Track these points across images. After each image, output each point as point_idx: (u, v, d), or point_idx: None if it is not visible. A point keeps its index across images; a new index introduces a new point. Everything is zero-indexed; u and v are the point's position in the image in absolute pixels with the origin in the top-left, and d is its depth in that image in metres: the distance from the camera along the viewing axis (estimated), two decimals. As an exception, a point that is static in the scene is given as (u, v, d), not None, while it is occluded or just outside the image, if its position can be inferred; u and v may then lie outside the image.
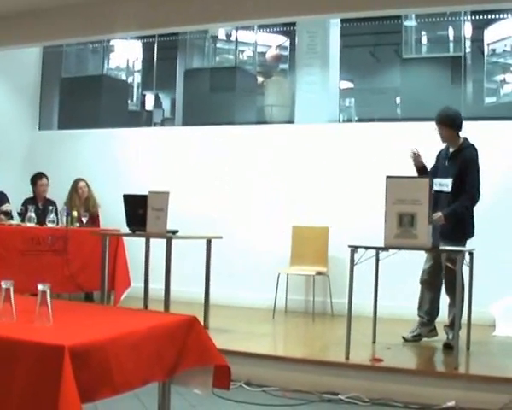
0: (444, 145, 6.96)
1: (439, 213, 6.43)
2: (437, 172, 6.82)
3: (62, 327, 2.99)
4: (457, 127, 6.77)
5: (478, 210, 8.00)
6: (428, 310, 7.01)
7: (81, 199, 9.54)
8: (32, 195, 9.53)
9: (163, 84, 12.72)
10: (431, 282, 6.96)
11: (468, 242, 6.62)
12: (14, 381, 2.60)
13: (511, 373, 5.78)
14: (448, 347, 6.47)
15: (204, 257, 7.58)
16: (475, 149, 6.79)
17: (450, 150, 6.86)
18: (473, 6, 9.10)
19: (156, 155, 10.35)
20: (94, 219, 9.51)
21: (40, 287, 2.95)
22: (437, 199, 6.42)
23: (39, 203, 9.37)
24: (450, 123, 6.74)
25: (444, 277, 6.72)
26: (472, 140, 6.94)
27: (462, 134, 6.83)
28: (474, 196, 6.67)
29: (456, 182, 6.61)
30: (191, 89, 11.95)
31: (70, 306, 4.14)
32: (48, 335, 2.76)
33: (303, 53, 10.30)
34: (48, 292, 2.95)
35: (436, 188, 6.50)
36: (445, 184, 6.66)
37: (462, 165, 6.69)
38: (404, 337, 7.01)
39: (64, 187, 9.54)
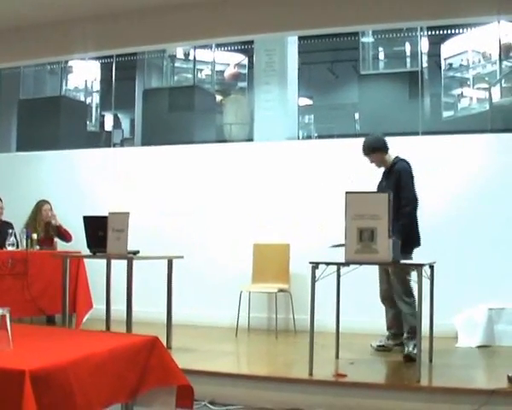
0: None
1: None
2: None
3: (23, 351, 2.97)
4: (382, 149, 7.12)
5: (439, 223, 8.13)
6: (394, 324, 7.14)
7: (45, 221, 9.46)
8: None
9: (122, 104, 12.68)
10: (390, 298, 7.09)
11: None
12: (-26, 407, 2.58)
13: (474, 384, 5.82)
14: (408, 358, 6.54)
15: (166, 277, 7.56)
16: (407, 162, 7.08)
17: (385, 170, 7.18)
18: (427, 22, 9.24)
19: (116, 176, 10.28)
20: (52, 242, 9.43)
21: (-1, 311, 2.93)
22: None
23: (-5, 226, 9.29)
24: (373, 148, 7.12)
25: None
26: (430, 154, 7.04)
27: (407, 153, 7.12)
28: (411, 202, 6.91)
29: (394, 195, 6.72)
30: (150, 109, 11.95)
31: (31, 330, 4.10)
32: (8, 359, 2.74)
33: (261, 71, 10.34)
34: (7, 316, 2.93)
35: None
36: None
37: (395, 178, 6.96)
38: (371, 345, 7.21)
39: (23, 210, 9.45)
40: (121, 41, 9.60)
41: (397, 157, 7.13)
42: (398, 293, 6.58)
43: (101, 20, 9.37)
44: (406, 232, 6.63)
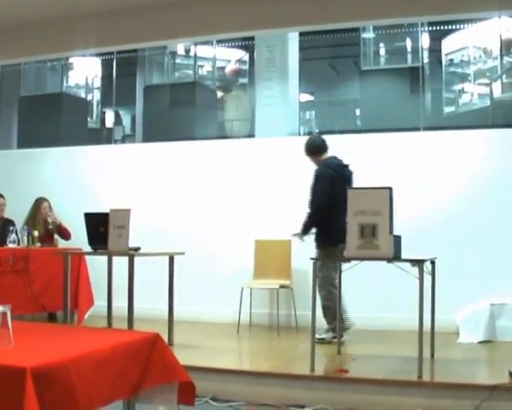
0: None
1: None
2: None
3: (24, 349, 2.96)
4: (316, 153, 7.75)
5: (440, 219, 8.13)
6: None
7: (44, 218, 9.44)
8: (-11, 216, 9.44)
9: (123, 100, 12.67)
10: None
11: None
12: (-24, 404, 2.57)
13: (475, 380, 5.82)
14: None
15: (167, 273, 7.55)
16: (324, 166, 7.60)
17: None
18: (428, 17, 9.22)
19: (117, 173, 10.27)
20: (52, 239, 9.42)
21: (0, 308, 2.92)
22: None
23: (-3, 223, 9.28)
24: (308, 152, 7.81)
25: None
26: (431, 150, 7.02)
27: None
28: (313, 204, 7.55)
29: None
30: (151, 105, 11.93)
31: (32, 327, 4.09)
32: (9, 357, 2.73)
33: (262, 67, 10.32)
34: (8, 313, 2.92)
35: None
36: None
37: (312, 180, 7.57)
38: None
39: (24, 207, 9.45)
40: (122, 38, 9.60)
41: (327, 159, 7.66)
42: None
43: (101, 16, 9.38)
44: (304, 230, 7.49)
